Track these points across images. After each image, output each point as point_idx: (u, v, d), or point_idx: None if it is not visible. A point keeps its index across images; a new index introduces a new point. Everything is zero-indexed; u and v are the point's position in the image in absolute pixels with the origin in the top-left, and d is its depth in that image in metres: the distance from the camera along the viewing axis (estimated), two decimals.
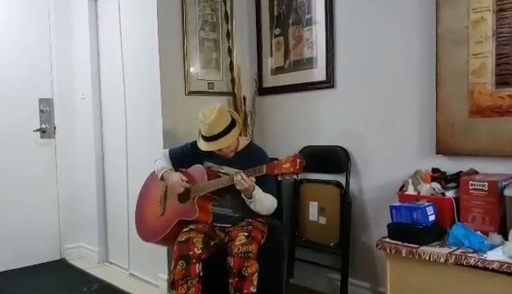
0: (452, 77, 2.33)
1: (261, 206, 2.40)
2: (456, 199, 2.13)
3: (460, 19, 2.29)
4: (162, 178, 2.59)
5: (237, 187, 2.29)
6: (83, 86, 3.96)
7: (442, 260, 1.91)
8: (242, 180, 2.26)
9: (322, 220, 2.95)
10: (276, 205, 2.48)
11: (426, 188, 2.24)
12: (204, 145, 2.43)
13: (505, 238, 1.90)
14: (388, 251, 2.11)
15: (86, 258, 4.00)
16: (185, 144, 2.66)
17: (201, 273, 2.24)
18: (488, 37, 2.20)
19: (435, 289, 1.99)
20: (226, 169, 2.47)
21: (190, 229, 2.33)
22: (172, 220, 2.46)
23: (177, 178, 2.50)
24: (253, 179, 2.28)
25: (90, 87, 3.87)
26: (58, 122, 3.99)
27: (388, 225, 2.19)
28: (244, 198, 2.36)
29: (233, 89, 3.36)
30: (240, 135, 2.54)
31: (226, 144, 2.40)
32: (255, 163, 2.28)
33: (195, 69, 3.23)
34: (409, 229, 2.09)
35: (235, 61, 3.38)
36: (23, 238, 3.76)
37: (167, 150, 2.69)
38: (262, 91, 3.45)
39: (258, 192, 2.35)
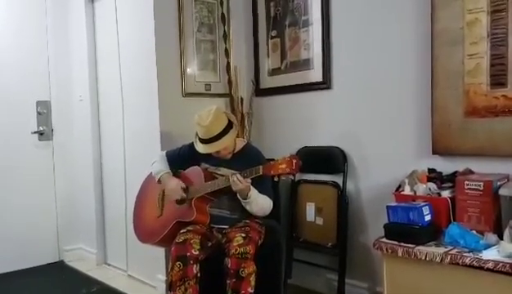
0: (448, 77, 2.34)
1: (256, 207, 2.40)
2: (452, 199, 2.15)
3: (455, 20, 2.30)
4: (159, 181, 2.59)
5: (233, 188, 2.30)
6: (80, 87, 3.97)
7: (438, 259, 1.93)
8: (238, 181, 2.27)
9: (319, 221, 2.96)
10: (271, 206, 2.48)
11: (422, 188, 2.25)
12: (201, 148, 2.44)
13: (500, 237, 1.92)
14: (385, 251, 2.12)
15: (84, 260, 4.00)
16: (182, 145, 2.66)
17: (199, 274, 2.24)
18: (483, 38, 2.22)
19: (431, 288, 2.01)
20: (223, 170, 2.48)
21: (188, 231, 2.34)
22: (169, 221, 2.46)
23: (175, 185, 2.49)
24: (249, 180, 2.29)
25: (87, 89, 3.88)
26: (56, 124, 3.99)
27: (385, 225, 2.20)
28: (240, 199, 2.37)
29: (230, 90, 3.37)
30: (236, 136, 2.55)
31: (224, 146, 2.41)
32: (252, 164, 2.29)
33: (192, 70, 3.24)
34: (405, 229, 2.11)
35: (232, 63, 3.39)
36: (21, 240, 3.76)
37: (164, 152, 2.69)
38: (259, 92, 3.46)
39: (254, 193, 2.36)
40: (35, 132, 3.90)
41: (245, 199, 2.36)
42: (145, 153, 3.09)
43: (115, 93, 3.59)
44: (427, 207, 2.11)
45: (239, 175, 2.27)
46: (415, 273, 2.05)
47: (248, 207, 2.40)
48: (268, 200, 2.45)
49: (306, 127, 3.15)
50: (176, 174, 2.61)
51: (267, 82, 3.42)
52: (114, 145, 3.70)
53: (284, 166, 2.17)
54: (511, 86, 2.15)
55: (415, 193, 2.26)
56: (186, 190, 2.47)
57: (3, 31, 3.77)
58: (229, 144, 2.45)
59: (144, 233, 2.63)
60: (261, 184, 2.37)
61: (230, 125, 2.43)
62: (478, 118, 2.25)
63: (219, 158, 2.48)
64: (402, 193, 2.31)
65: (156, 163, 2.63)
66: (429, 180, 2.29)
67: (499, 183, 2.04)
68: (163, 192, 2.58)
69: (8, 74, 3.77)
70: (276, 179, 2.29)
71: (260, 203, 2.41)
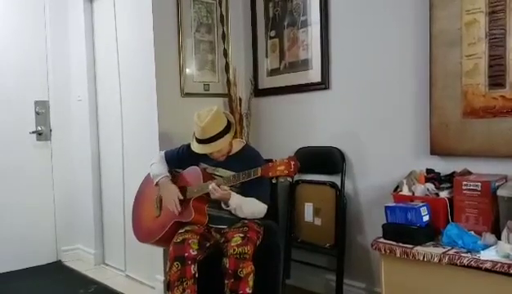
0: (446, 78, 2.35)
1: (241, 212, 2.39)
2: (450, 200, 2.15)
3: (453, 20, 2.30)
4: (157, 184, 2.57)
5: (211, 197, 2.31)
6: (78, 88, 3.96)
7: (436, 260, 1.93)
8: (213, 189, 2.28)
9: (318, 221, 2.96)
10: (265, 210, 2.46)
11: (420, 188, 2.25)
12: (196, 147, 2.44)
13: (498, 237, 1.92)
14: (383, 251, 2.12)
15: (82, 260, 4.00)
16: (180, 146, 2.66)
17: (197, 275, 2.24)
18: (481, 39, 2.22)
19: (429, 289, 2.01)
20: (221, 171, 2.48)
21: (186, 231, 2.34)
22: (168, 221, 2.46)
23: (172, 195, 2.45)
24: (226, 187, 2.30)
25: (86, 89, 3.87)
26: (54, 124, 3.99)
27: (383, 226, 2.21)
28: (223, 205, 2.37)
29: (229, 90, 3.37)
30: (235, 137, 2.54)
31: (218, 149, 2.41)
32: (250, 166, 2.28)
33: (190, 70, 3.24)
34: (403, 230, 2.11)
35: (230, 63, 3.39)
36: (19, 240, 3.76)
37: (163, 153, 2.69)
38: (258, 92, 3.46)
39: (236, 199, 2.35)
40: (33, 132, 3.89)
41: (227, 206, 2.36)
42: (144, 154, 3.09)
43: (114, 93, 3.59)
44: (425, 207, 2.11)
45: (214, 184, 2.28)
46: (413, 273, 2.05)
47: (233, 212, 2.39)
48: (258, 203, 2.42)
49: (304, 128, 3.15)
50: (175, 174, 2.61)
51: (266, 82, 3.42)
52: (112, 146, 3.70)
53: (282, 168, 2.17)
54: (509, 87, 2.15)
55: (413, 193, 2.27)
56: (183, 193, 2.47)
57: (2, 30, 3.76)
58: (223, 148, 2.44)
59: (142, 233, 2.63)
60: (257, 186, 2.36)
61: (227, 128, 2.42)
62: (476, 118, 2.25)
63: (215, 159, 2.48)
64: (400, 193, 2.31)
65: (155, 165, 2.62)
66: (427, 180, 2.29)
67: (497, 183, 2.05)
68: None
69: (6, 74, 3.76)
70: (273, 181, 2.28)
71: (245, 208, 2.39)
